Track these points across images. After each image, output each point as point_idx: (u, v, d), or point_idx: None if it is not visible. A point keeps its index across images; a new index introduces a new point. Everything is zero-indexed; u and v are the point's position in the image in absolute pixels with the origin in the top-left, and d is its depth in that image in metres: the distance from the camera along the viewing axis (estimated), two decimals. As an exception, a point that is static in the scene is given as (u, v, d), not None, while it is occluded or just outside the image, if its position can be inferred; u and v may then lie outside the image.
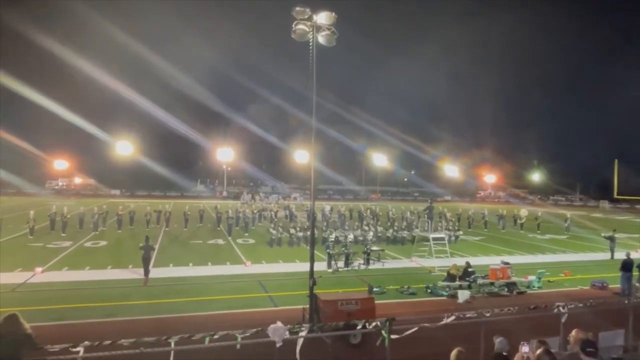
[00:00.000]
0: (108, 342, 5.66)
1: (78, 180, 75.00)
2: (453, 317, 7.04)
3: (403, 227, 27.92)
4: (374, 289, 14.39)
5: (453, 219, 33.58)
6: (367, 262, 19.45)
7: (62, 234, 25.71)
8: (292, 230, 25.43)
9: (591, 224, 40.66)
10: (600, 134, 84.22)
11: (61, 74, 61.08)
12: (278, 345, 5.84)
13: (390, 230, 27.10)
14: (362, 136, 77.11)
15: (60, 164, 72.25)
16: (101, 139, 63.33)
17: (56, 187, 71.14)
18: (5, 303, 11.33)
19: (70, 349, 5.37)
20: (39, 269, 16.41)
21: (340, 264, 18.96)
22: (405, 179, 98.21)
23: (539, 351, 4.74)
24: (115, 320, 11.58)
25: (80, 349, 5.31)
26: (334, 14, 10.89)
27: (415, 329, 6.85)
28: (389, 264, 20.13)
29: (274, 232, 24.82)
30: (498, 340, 5.68)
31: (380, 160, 78.03)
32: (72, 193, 67.10)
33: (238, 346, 5.82)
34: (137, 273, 16.33)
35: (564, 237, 31.60)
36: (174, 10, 78.21)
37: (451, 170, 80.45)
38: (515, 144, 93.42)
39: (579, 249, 26.53)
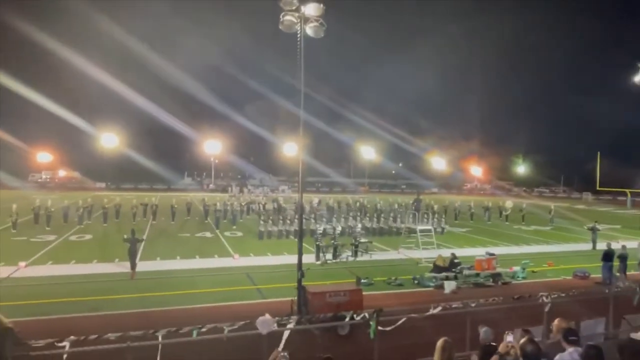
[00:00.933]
0: (94, 336, 5.60)
1: (62, 173, 73.70)
2: (439, 308, 7.14)
3: (391, 218, 28.09)
4: (362, 281, 14.52)
5: (440, 211, 33.93)
6: (355, 254, 19.57)
7: (47, 228, 25.31)
8: (281, 223, 25.43)
9: (574, 215, 41.44)
10: (583, 127, 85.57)
11: (45, 65, 59.81)
12: (265, 333, 5.85)
13: (378, 222, 27.26)
14: (351, 129, 77.10)
15: (43, 156, 70.86)
16: (86, 131, 62.18)
17: (39, 180, 69.84)
18: (-12, 298, 11.14)
19: (55, 343, 5.31)
20: (22, 264, 16.15)
21: (329, 256, 19.04)
22: (393, 172, 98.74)
23: (522, 340, 4.84)
24: (102, 314, 11.48)
25: (66, 344, 5.26)
26: (322, 5, 10.82)
27: (403, 320, 6.93)
28: (377, 256, 20.28)
29: (263, 224, 24.77)
30: (483, 330, 5.78)
31: (368, 152, 78.33)
32: (56, 186, 65.91)
33: (225, 338, 5.82)
34: (123, 267, 16.18)
35: (548, 229, 32.17)
36: (161, 1, 76.80)
37: (438, 162, 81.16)
38: (501, 137, 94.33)
39: (562, 240, 27.05)
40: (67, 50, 55.22)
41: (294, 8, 10.67)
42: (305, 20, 10.78)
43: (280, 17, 10.64)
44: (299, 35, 10.88)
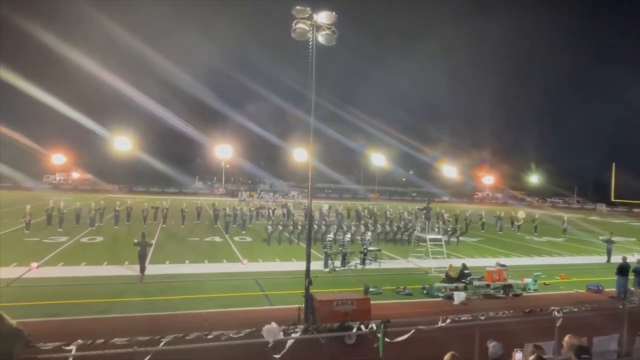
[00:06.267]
0: (101, 340, 5.63)
1: (76, 175, 74.79)
2: (449, 321, 7.03)
3: (401, 227, 27.91)
4: (370, 289, 14.39)
5: (451, 220, 33.60)
6: (364, 262, 19.44)
7: (59, 229, 25.63)
8: (291, 228, 25.42)
9: (588, 226, 40.75)
10: (598, 137, 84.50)
11: (61, 69, 60.87)
12: (270, 345, 5.83)
13: (388, 230, 27.09)
14: (361, 135, 77.08)
15: (58, 158, 72.12)
16: (100, 134, 63.17)
17: (54, 181, 70.89)
18: (-1, 298, 11.29)
19: (62, 347, 5.33)
20: (34, 264, 16.35)
21: (337, 263, 18.95)
22: (404, 179, 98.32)
23: (531, 357, 4.73)
24: (110, 317, 11.54)
25: (73, 348, 5.28)
26: (334, 13, 10.86)
27: (411, 332, 6.84)
28: (386, 264, 20.13)
29: (272, 229, 24.76)
30: (492, 345, 5.66)
31: (378, 159, 78.13)
32: (70, 188, 66.88)
33: (231, 346, 5.81)
34: (133, 270, 16.29)
35: (561, 240, 31.66)
36: (174, 6, 77.98)
37: (449, 170, 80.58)
38: (514, 146, 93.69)
39: (575, 251, 26.58)
40: (83, 55, 56.34)
41: (306, 16, 10.72)
42: (318, 28, 10.82)
43: (293, 25, 10.70)
44: (310, 43, 10.91)
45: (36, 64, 60.42)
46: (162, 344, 5.51)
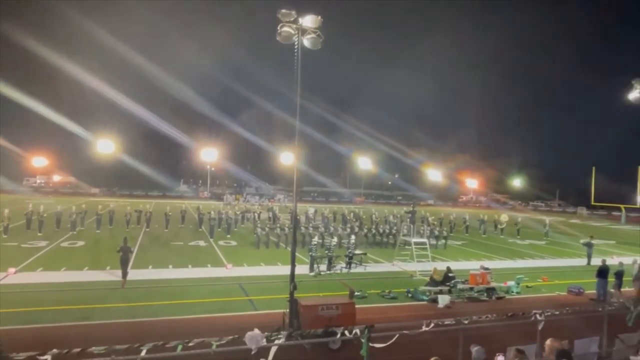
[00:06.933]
0: (78, 349, 5.47)
1: (57, 177, 73.35)
2: (432, 325, 7.05)
3: (386, 230, 28.00)
4: (356, 293, 14.38)
5: (435, 223, 33.85)
6: (349, 265, 19.43)
7: (39, 234, 25.06)
8: (278, 232, 25.29)
9: (569, 229, 41.51)
10: (579, 142, 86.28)
11: (42, 70, 59.70)
12: (253, 352, 5.75)
13: (373, 234, 27.16)
14: (348, 139, 77.43)
15: (39, 160, 70.58)
16: (82, 137, 62.09)
17: (34, 184, 69.51)
18: (-26, 305, 10.94)
19: (37, 356, 5.16)
20: (12, 270, 15.92)
21: (323, 267, 18.90)
22: (390, 183, 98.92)
23: (514, 361, 4.76)
24: (89, 323, 11.28)
25: (48, 357, 5.12)
26: (319, 17, 10.85)
27: (395, 337, 6.83)
28: (371, 268, 20.15)
29: (260, 232, 24.58)
30: (475, 350, 5.69)
31: (365, 163, 78.47)
32: (51, 191, 65.57)
33: (212, 353, 5.71)
34: (114, 275, 15.98)
35: (543, 243, 32.16)
36: (159, 9, 77.29)
37: (434, 174, 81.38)
38: (497, 150, 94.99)
39: (557, 254, 27.02)
40: (65, 57, 55.33)
41: (291, 20, 10.70)
42: (303, 32, 10.80)
43: (278, 28, 10.66)
44: (296, 47, 10.89)
45: (17, 65, 59.17)
46: (142, 352, 5.39)
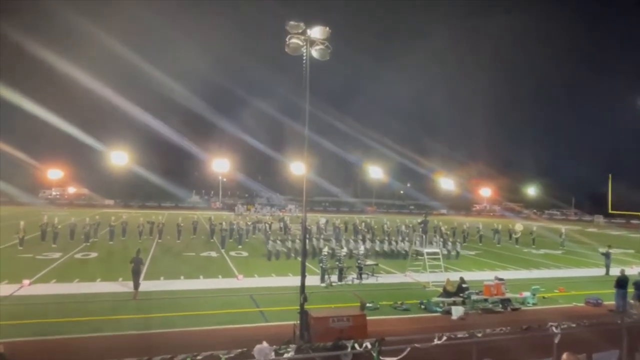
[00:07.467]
0: (87, 362, 5.47)
1: (72, 189, 74.53)
2: (445, 338, 6.90)
3: (399, 240, 27.73)
4: (367, 305, 14.19)
5: (448, 232, 33.45)
6: (360, 276, 19.24)
7: (53, 245, 25.37)
8: (289, 243, 25.23)
9: (586, 239, 40.68)
10: (595, 149, 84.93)
11: (57, 83, 61.16)
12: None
13: (385, 244, 26.92)
14: (359, 148, 77.40)
15: (54, 173, 71.93)
16: (96, 149, 63.23)
17: (49, 196, 70.65)
18: (-12, 317, 11.06)
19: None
20: (26, 281, 16.10)
21: (334, 278, 18.75)
22: (402, 192, 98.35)
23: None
24: (101, 335, 11.29)
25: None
26: (328, 28, 10.91)
27: (407, 350, 6.69)
28: (383, 279, 19.93)
29: (272, 243, 24.52)
30: (489, 364, 5.53)
31: (376, 172, 78.25)
32: (66, 203, 66.58)
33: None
34: (126, 286, 16.05)
35: (559, 252, 31.52)
36: (172, 20, 78.78)
37: (447, 183, 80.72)
38: (511, 158, 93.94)
39: (573, 264, 26.43)
40: (80, 70, 56.57)
41: (300, 31, 10.77)
42: (311, 43, 10.87)
43: (287, 39, 10.74)
44: (304, 58, 10.94)
45: (32, 78, 60.71)
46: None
